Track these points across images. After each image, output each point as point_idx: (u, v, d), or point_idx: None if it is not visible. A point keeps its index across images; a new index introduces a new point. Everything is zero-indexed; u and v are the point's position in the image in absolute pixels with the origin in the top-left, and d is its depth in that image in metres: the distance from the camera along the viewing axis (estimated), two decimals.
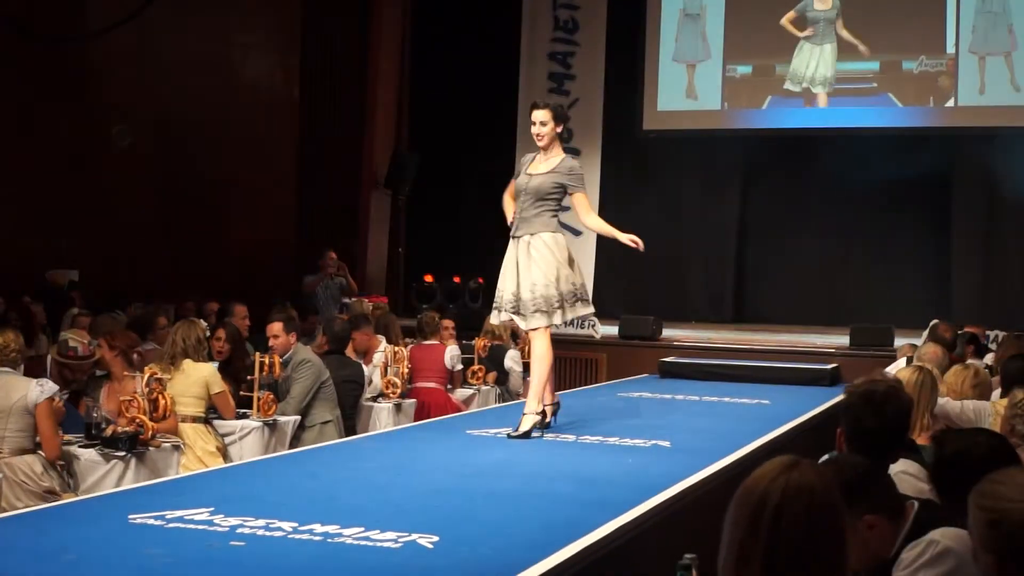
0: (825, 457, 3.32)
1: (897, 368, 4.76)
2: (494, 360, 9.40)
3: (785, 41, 13.18)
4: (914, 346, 7.81)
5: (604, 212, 12.28)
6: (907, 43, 12.79)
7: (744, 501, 2.06)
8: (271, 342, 7.29)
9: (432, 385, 8.61)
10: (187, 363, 6.52)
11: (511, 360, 9.47)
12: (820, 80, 12.99)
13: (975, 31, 12.56)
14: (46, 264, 10.83)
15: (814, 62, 12.99)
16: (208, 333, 7.20)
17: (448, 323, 9.16)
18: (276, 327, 7.30)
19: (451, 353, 8.75)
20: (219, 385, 6.59)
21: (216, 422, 6.64)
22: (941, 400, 5.05)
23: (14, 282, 10.09)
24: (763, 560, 1.99)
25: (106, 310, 9.18)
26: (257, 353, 7.11)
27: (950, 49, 12.64)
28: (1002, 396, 5.62)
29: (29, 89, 10.97)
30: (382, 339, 8.64)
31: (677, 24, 13.57)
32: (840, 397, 3.55)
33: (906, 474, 3.57)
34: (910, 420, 3.60)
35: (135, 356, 6.47)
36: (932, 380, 4.57)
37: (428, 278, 13.32)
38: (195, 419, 6.45)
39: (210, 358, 6.87)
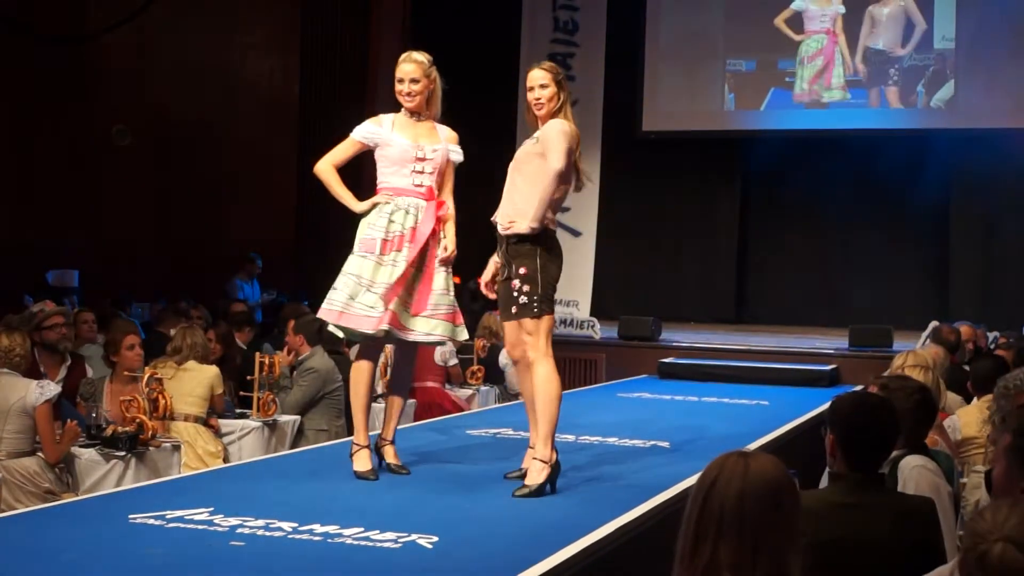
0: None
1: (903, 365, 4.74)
2: (494, 361, 9.38)
3: (787, 36, 13.19)
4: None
5: (604, 212, 12.38)
6: (896, 37, 12.82)
7: (694, 489, 2.20)
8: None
9: (430, 384, 8.58)
10: (192, 363, 6.56)
11: (505, 357, 9.43)
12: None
13: (974, 32, 12.56)
14: (46, 264, 10.83)
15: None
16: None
17: None
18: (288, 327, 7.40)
19: (440, 349, 8.68)
20: (221, 386, 6.68)
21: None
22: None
23: (14, 282, 10.09)
24: (701, 533, 2.13)
25: (110, 309, 9.19)
26: (257, 353, 7.12)
27: (937, 45, 12.68)
28: (979, 397, 5.64)
29: (29, 89, 10.97)
30: None
31: (677, 24, 13.57)
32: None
33: (925, 469, 3.57)
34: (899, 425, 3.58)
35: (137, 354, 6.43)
36: (935, 382, 4.58)
37: None
38: (196, 419, 6.45)
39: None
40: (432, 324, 4.90)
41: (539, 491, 4.53)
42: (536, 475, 4.56)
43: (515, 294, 4.70)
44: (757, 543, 2.11)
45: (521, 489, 4.54)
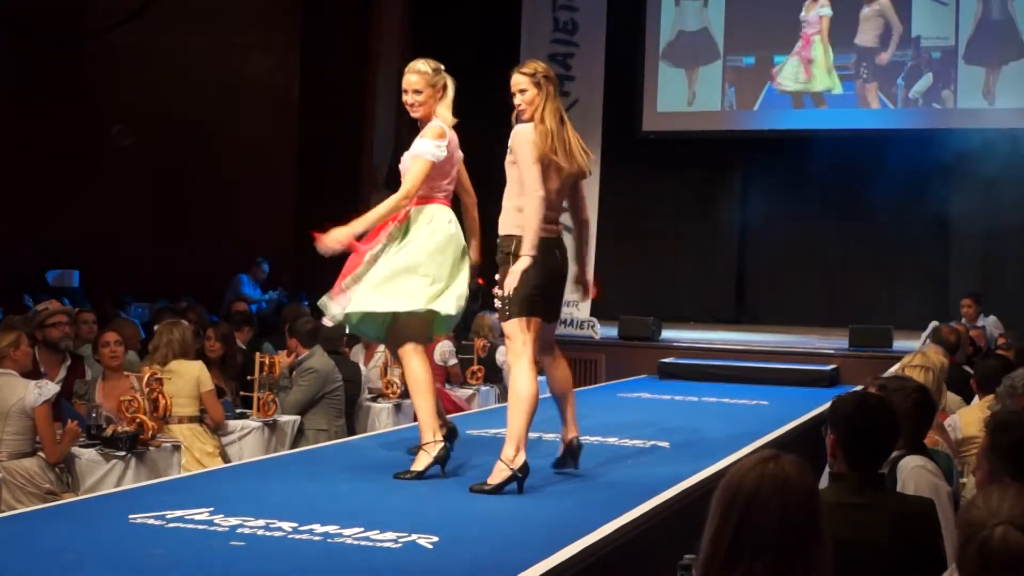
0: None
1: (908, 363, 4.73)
2: (494, 360, 9.36)
3: (785, 34, 13.21)
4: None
5: (604, 212, 12.37)
6: (876, 36, 12.86)
7: (722, 494, 2.14)
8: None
9: None
10: (176, 363, 6.47)
11: (503, 355, 9.41)
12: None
13: (976, 35, 12.56)
14: (46, 264, 10.84)
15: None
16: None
17: None
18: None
19: (440, 349, 8.68)
20: (208, 383, 6.52)
21: None
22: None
23: (14, 282, 10.10)
24: (736, 550, 2.07)
25: (110, 309, 9.19)
26: (257, 353, 7.11)
27: (918, 42, 12.72)
28: (982, 396, 5.64)
29: (29, 89, 10.98)
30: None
31: (677, 25, 13.58)
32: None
33: (924, 469, 3.57)
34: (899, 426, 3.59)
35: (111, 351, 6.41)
36: (937, 383, 4.57)
37: None
38: (191, 419, 6.42)
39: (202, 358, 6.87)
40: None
41: (496, 491, 4.53)
42: (497, 475, 4.57)
43: (495, 300, 4.80)
44: (796, 555, 2.08)
45: (479, 484, 4.57)
